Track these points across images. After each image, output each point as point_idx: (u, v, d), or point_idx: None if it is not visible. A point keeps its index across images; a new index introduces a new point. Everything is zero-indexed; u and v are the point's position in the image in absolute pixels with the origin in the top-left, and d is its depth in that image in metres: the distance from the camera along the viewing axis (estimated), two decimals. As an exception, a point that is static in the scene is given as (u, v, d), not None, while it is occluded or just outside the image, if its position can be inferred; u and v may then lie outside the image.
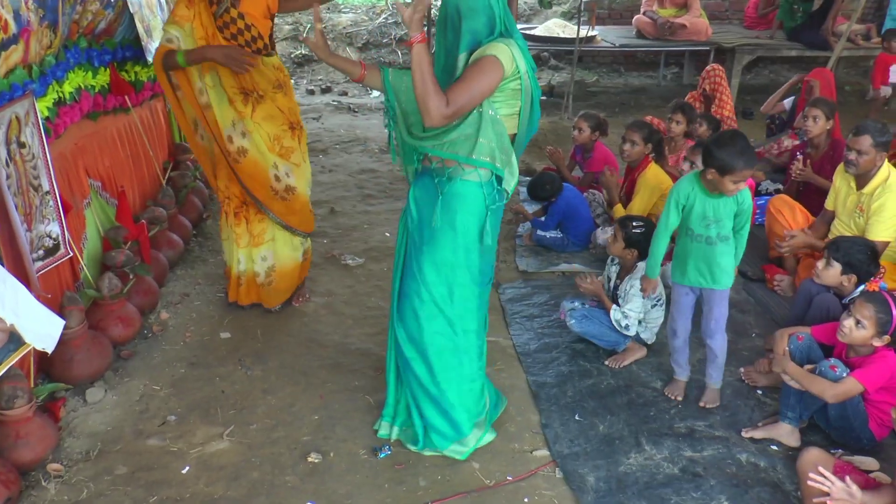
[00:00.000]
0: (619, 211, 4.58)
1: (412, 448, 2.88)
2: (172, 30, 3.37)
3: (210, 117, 3.50)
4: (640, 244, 3.46)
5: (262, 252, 3.79)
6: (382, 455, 2.86)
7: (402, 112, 2.74)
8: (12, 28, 2.82)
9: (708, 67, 6.23)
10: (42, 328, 2.51)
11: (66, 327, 3.01)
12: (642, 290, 3.34)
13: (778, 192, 4.97)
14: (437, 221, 2.65)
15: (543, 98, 8.85)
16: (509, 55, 2.49)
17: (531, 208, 5.16)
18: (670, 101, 5.97)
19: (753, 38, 8.14)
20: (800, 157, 4.72)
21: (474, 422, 2.89)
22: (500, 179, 2.68)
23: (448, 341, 2.76)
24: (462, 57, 2.53)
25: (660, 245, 3.11)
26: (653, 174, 4.55)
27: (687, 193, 3.00)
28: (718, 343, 3.12)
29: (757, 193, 5.02)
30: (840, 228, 3.89)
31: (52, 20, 3.18)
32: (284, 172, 3.68)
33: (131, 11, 4.06)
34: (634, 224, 3.50)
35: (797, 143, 5.24)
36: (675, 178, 4.51)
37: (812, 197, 4.50)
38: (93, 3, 3.56)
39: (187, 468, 2.80)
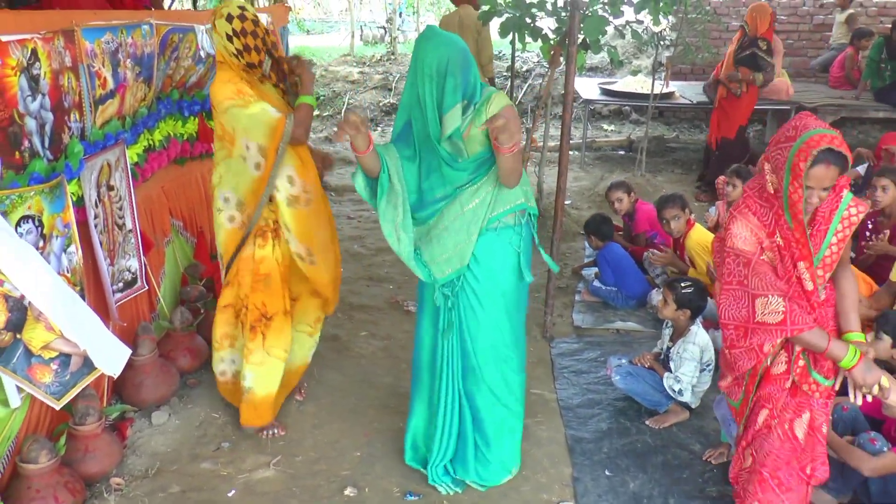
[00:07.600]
0: (695, 275, 4.48)
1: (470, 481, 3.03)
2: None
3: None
4: (691, 303, 3.50)
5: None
6: (410, 497, 2.98)
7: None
8: (110, 84, 3.17)
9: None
10: (110, 355, 2.78)
11: (137, 355, 3.32)
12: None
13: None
14: (518, 274, 2.84)
15: (621, 153, 8.95)
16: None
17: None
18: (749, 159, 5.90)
19: (837, 99, 7.99)
20: (870, 226, 4.63)
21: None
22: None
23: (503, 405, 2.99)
24: (457, 107, 2.54)
25: None
26: (696, 240, 4.57)
27: None
28: None
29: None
30: (907, 302, 3.80)
31: (147, 76, 3.54)
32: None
33: (221, 66, 4.41)
34: (683, 285, 3.54)
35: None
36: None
37: (886, 266, 4.39)
38: (185, 59, 3.93)
39: (233, 491, 3.00)
